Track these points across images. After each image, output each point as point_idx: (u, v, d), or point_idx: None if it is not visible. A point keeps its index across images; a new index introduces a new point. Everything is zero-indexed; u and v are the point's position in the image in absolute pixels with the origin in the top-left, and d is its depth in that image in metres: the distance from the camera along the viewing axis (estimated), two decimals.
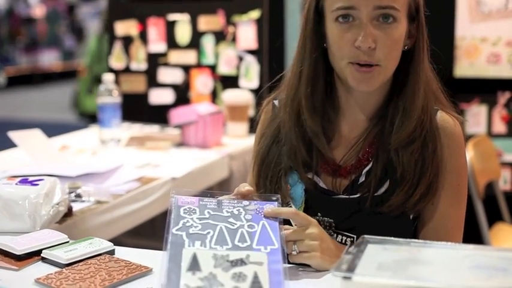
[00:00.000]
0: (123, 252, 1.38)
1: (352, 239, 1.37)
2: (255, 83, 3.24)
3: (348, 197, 1.37)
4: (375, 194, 1.35)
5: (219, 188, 2.74)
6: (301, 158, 1.40)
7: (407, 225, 1.36)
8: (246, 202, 1.27)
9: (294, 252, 1.22)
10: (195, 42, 3.36)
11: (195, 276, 1.08)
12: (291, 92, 1.42)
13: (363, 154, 1.38)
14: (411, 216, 1.37)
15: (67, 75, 13.22)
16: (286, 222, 1.29)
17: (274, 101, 1.50)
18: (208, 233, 1.18)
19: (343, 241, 1.38)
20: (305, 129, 1.41)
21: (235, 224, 1.21)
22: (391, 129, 1.35)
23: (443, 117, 1.38)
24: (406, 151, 1.34)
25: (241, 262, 1.12)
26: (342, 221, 1.38)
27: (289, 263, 1.23)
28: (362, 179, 1.37)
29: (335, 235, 1.38)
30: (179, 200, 1.25)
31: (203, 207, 1.24)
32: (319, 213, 1.40)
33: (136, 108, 3.47)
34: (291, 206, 1.40)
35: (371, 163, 1.37)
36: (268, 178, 1.43)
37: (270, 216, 1.22)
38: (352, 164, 1.38)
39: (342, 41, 1.31)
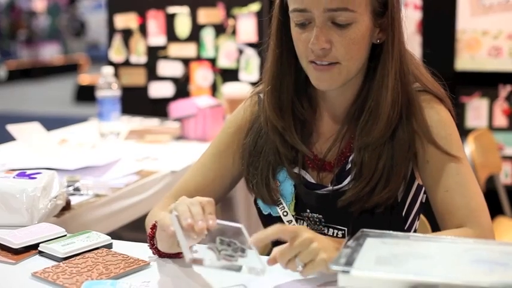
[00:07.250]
0: (121, 246, 1.38)
1: (343, 232, 1.36)
2: (255, 76, 3.23)
3: (332, 188, 1.35)
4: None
5: None
6: (284, 154, 1.38)
7: (397, 216, 1.35)
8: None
9: (300, 268, 1.12)
10: (194, 35, 3.35)
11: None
12: (264, 88, 1.41)
13: (345, 146, 1.36)
14: (403, 213, 1.36)
15: (67, 68, 13.22)
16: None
17: (260, 95, 1.46)
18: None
19: (335, 234, 1.37)
20: None
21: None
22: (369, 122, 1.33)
23: (425, 98, 1.34)
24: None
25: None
26: (330, 215, 1.37)
27: None
28: (348, 166, 1.35)
29: (326, 229, 1.38)
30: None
31: None
32: (307, 210, 1.39)
33: (136, 102, 3.46)
34: (281, 203, 1.39)
35: (354, 152, 1.35)
36: (259, 170, 1.41)
37: (259, 245, 1.13)
38: (335, 158, 1.37)
39: (299, 41, 1.30)
